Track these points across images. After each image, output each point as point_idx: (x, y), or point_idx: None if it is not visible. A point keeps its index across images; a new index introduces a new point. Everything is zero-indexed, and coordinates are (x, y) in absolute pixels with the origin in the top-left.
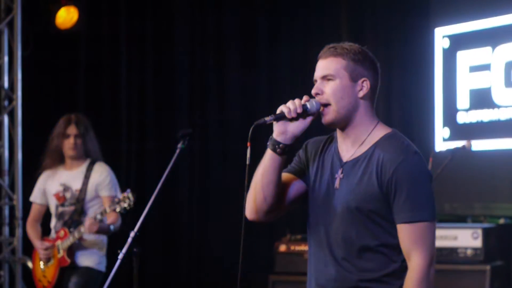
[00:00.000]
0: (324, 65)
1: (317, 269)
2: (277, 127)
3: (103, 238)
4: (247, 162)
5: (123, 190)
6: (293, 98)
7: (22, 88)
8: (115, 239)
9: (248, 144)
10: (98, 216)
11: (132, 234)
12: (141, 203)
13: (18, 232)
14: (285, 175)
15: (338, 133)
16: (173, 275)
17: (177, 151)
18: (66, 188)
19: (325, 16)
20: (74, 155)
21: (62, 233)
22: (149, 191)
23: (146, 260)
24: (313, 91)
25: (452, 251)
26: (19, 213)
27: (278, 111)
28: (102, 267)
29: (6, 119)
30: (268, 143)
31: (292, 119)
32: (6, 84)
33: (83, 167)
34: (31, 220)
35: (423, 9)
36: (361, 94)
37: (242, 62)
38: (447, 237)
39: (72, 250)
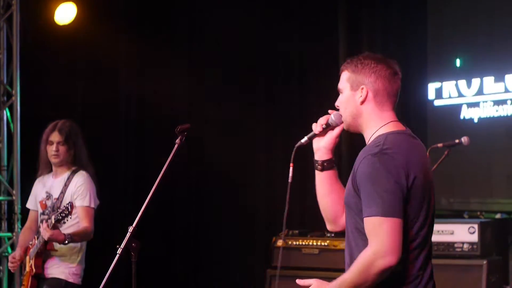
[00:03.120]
0: (340, 79)
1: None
2: (314, 146)
3: (78, 249)
4: (290, 180)
5: (118, 188)
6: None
7: (21, 83)
8: (114, 234)
9: (291, 165)
10: (50, 223)
11: (130, 228)
12: (139, 198)
13: (17, 227)
14: None
15: None
16: (171, 269)
17: (176, 146)
18: (48, 196)
19: (322, 12)
20: (57, 162)
21: (33, 241)
22: (148, 186)
23: (144, 254)
24: (336, 104)
25: (449, 245)
26: (17, 208)
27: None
28: (75, 279)
29: (5, 114)
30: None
31: (320, 134)
32: (5, 80)
33: (65, 175)
34: (26, 227)
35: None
36: (360, 100)
37: (240, 61)
38: (444, 232)
39: (41, 260)
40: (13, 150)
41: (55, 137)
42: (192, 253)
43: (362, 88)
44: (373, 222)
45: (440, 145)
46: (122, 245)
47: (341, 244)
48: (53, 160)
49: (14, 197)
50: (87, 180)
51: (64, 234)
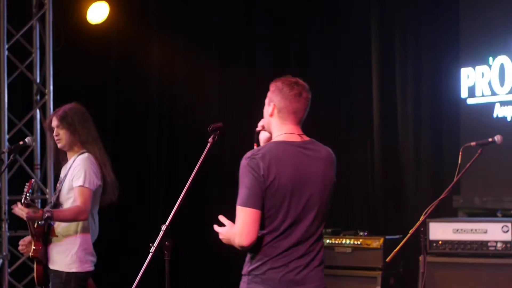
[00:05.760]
0: None
1: None
2: (260, 136)
3: (74, 230)
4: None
5: (151, 187)
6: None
7: (54, 82)
8: (147, 233)
9: (255, 145)
10: (23, 201)
11: (163, 227)
12: (172, 197)
13: None
14: None
15: None
16: (204, 268)
17: (208, 145)
18: (60, 181)
19: (355, 17)
20: (61, 147)
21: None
22: (180, 185)
23: (177, 253)
24: None
25: (482, 244)
26: None
27: None
28: (79, 267)
29: (38, 113)
30: None
31: (260, 131)
32: (38, 79)
33: (72, 159)
34: None
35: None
36: (269, 113)
37: (272, 61)
38: (477, 230)
39: (40, 244)
40: (46, 149)
41: (54, 122)
42: (224, 250)
43: (271, 104)
44: (237, 209)
45: (473, 144)
46: (155, 244)
47: (374, 243)
48: (58, 145)
49: (47, 196)
50: (85, 161)
51: (42, 210)
